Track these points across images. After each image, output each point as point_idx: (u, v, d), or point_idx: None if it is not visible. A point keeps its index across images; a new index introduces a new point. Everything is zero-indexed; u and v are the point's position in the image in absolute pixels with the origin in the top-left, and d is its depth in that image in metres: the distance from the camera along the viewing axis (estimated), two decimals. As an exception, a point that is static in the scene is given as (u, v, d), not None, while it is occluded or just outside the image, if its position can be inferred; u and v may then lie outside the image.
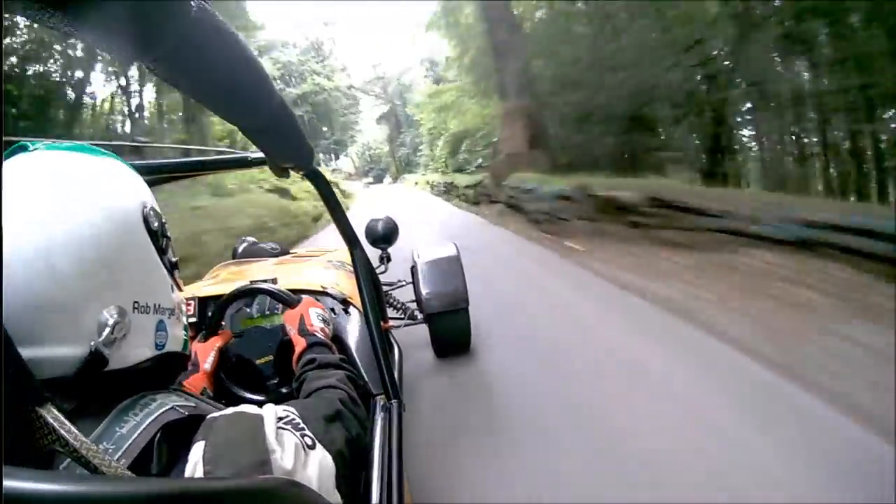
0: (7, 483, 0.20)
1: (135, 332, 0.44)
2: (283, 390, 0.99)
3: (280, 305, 1.07)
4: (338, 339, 1.07)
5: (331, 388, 0.68)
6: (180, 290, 0.54)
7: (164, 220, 0.51)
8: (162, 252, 0.49)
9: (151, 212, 0.49)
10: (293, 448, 0.44)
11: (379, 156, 54.29)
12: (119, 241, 0.44)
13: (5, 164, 0.43)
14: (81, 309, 0.40)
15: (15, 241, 0.38)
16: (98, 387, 0.41)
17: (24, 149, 0.45)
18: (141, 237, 0.47)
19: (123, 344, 0.43)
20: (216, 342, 0.97)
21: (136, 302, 0.45)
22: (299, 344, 0.82)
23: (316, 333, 0.84)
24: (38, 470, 0.28)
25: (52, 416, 0.33)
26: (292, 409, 0.50)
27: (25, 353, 0.36)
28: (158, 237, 0.49)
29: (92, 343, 0.40)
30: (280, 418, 0.47)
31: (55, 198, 0.41)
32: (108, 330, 0.41)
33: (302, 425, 0.48)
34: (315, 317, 0.88)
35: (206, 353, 0.95)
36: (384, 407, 0.96)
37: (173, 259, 0.53)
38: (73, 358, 0.40)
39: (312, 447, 0.47)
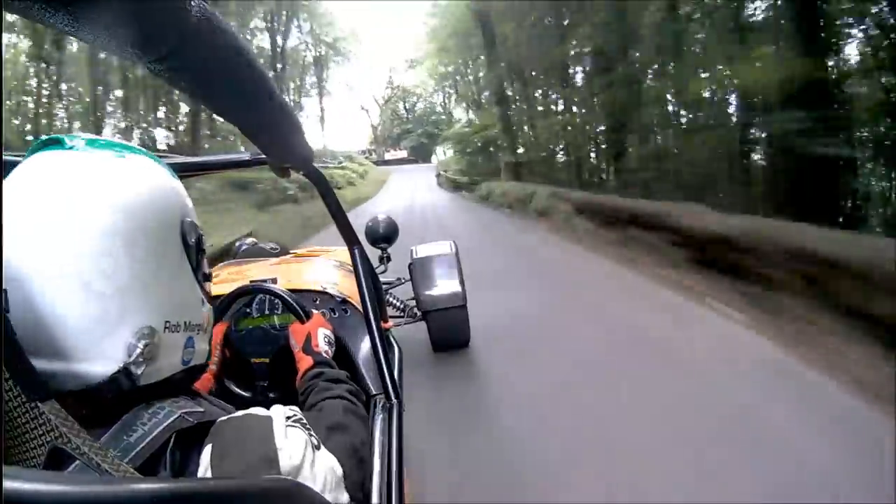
0: (7, 483, 0.20)
1: (164, 352, 0.44)
2: (272, 395, 0.99)
3: (280, 305, 1.07)
4: (338, 340, 1.07)
5: (336, 398, 0.69)
6: (210, 301, 0.54)
7: (200, 232, 0.50)
8: (196, 266, 0.49)
9: (190, 225, 0.47)
10: (302, 444, 0.45)
11: (427, 112, 28.48)
12: (155, 261, 0.43)
13: (41, 156, 0.42)
14: (113, 328, 0.40)
15: (49, 251, 0.37)
16: (117, 399, 0.41)
17: (58, 142, 0.43)
18: (177, 255, 0.46)
19: (152, 363, 0.42)
20: (218, 339, 0.97)
21: (167, 321, 0.44)
22: (304, 361, 0.82)
23: (321, 354, 0.84)
24: (38, 470, 0.28)
25: (55, 412, 0.32)
26: (298, 411, 0.50)
27: (52, 366, 0.37)
28: (194, 252, 0.48)
29: (121, 363, 0.40)
30: (288, 417, 0.47)
31: (94, 210, 0.40)
32: (138, 351, 0.40)
33: (309, 426, 0.49)
34: (322, 339, 0.88)
35: (211, 352, 0.95)
36: (384, 407, 0.96)
37: (206, 271, 0.52)
38: (99, 375, 0.39)
39: (318, 448, 0.48)
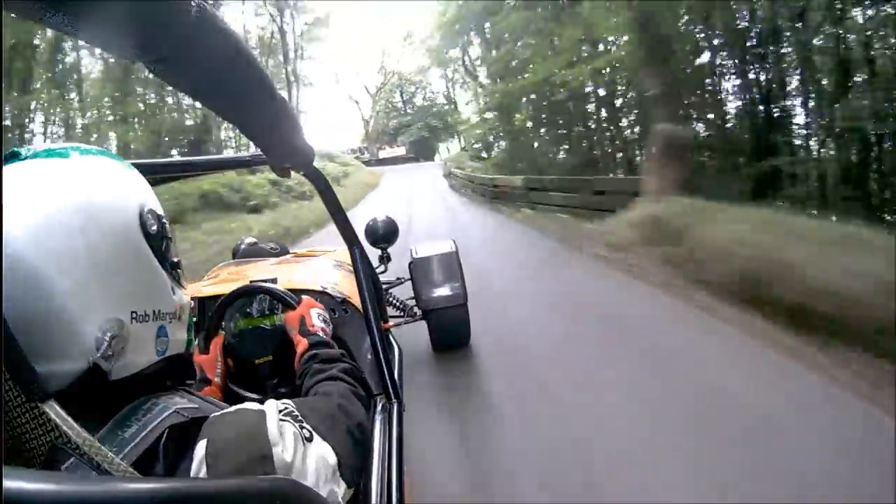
0: (7, 483, 0.20)
1: (135, 342, 0.44)
2: (282, 390, 0.99)
3: (280, 305, 1.07)
4: (338, 340, 1.07)
5: (331, 379, 0.68)
6: (183, 288, 0.54)
7: (164, 220, 0.50)
8: (161, 255, 0.49)
9: (150, 214, 0.48)
10: (293, 439, 0.45)
11: (428, 104, 24.59)
12: (114, 252, 0.43)
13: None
14: (78, 325, 0.40)
15: (8, 257, 0.37)
16: (100, 395, 0.41)
17: (16, 156, 0.44)
18: (137, 244, 0.46)
19: (123, 356, 0.42)
20: (216, 350, 0.97)
21: (133, 312, 0.44)
22: (301, 344, 0.82)
23: (318, 333, 0.84)
24: (38, 470, 0.28)
25: (55, 412, 0.32)
26: (290, 403, 0.50)
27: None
28: (157, 240, 0.48)
29: (90, 358, 0.40)
30: (280, 410, 0.47)
31: (47, 210, 0.40)
32: (105, 344, 0.41)
33: (300, 418, 0.49)
34: (316, 317, 0.88)
35: (212, 365, 0.94)
36: (384, 407, 0.96)
37: (174, 259, 0.52)
38: (71, 373, 0.39)
39: (310, 440, 0.47)
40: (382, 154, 24.00)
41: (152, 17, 0.36)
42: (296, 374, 0.80)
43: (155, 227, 0.48)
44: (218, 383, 0.92)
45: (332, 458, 0.48)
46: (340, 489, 0.48)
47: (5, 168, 0.42)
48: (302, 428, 0.47)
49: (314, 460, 0.46)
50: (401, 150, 23.97)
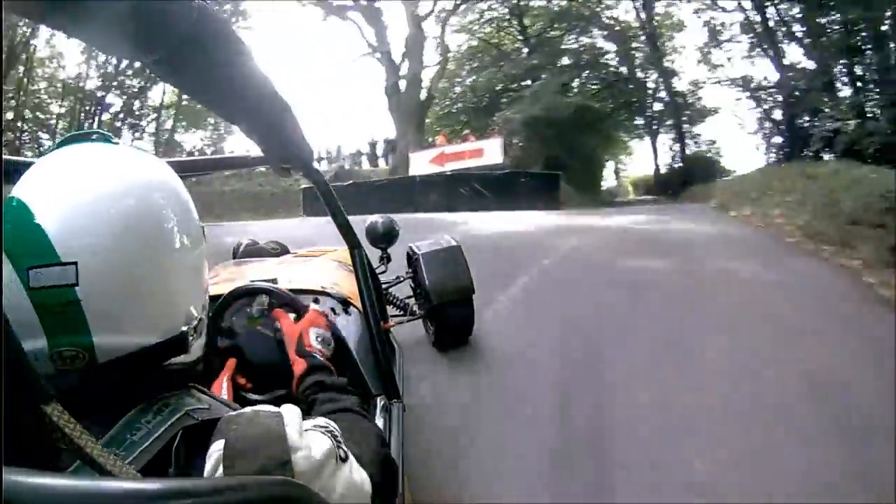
0: (8, 483, 0.20)
1: (202, 329, 0.49)
2: (279, 392, 0.97)
3: (282, 306, 1.07)
4: (338, 340, 1.07)
5: (349, 411, 0.64)
6: None
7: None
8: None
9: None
10: (323, 451, 0.42)
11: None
12: (198, 243, 0.48)
13: (72, 148, 0.45)
14: (175, 303, 0.44)
15: (129, 235, 0.40)
16: (127, 383, 0.43)
17: (78, 140, 0.46)
18: (203, 244, 0.50)
19: (199, 338, 0.48)
20: (225, 374, 0.89)
21: (204, 304, 0.50)
22: (297, 364, 0.78)
23: (315, 355, 0.80)
24: (39, 470, 0.28)
25: (58, 414, 0.32)
26: (331, 422, 0.47)
27: (114, 339, 0.40)
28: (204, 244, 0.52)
29: (183, 328, 0.44)
30: (317, 425, 0.44)
31: (148, 193, 0.43)
32: (193, 324, 0.45)
33: (339, 438, 0.45)
34: (314, 337, 0.84)
35: (218, 386, 0.88)
36: (384, 407, 0.96)
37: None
38: (160, 340, 0.43)
39: (345, 460, 0.44)
40: (418, 158, 9.84)
41: (152, 17, 0.36)
42: (294, 396, 0.77)
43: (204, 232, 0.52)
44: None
45: (368, 486, 0.46)
46: None
47: (83, 146, 0.45)
48: (339, 447, 0.44)
49: (344, 481, 0.43)
50: (492, 148, 9.68)
